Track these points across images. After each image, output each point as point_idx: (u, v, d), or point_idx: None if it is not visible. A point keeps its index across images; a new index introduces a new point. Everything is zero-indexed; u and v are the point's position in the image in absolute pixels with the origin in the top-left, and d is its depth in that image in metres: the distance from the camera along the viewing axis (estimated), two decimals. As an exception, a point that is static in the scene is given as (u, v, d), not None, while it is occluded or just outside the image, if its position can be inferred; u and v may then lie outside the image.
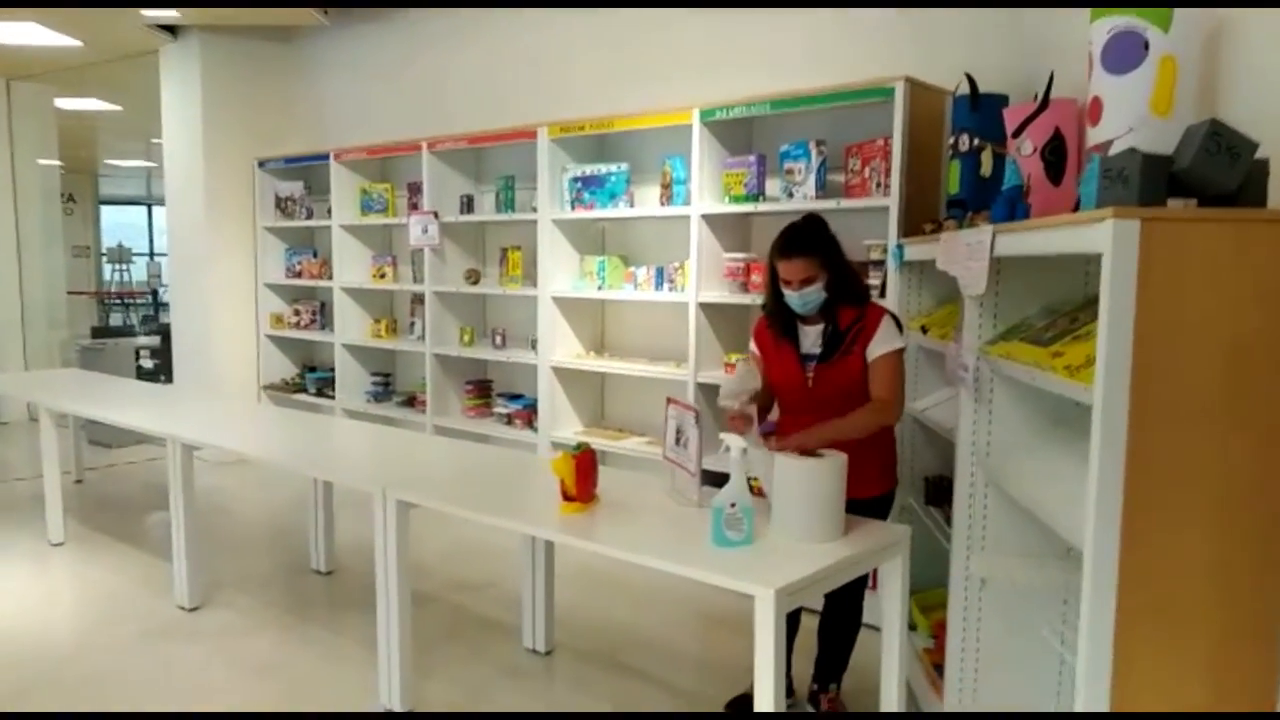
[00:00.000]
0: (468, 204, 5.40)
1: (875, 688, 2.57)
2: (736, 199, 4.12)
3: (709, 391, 4.14)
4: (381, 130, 6.04)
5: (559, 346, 4.92)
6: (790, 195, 3.93)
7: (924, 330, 3.13)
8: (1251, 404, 1.58)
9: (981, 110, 2.96)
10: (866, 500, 2.61)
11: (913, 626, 3.01)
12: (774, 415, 2.89)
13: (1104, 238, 1.56)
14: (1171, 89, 1.97)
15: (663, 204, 4.45)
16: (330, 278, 6.24)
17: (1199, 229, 1.57)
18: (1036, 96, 2.50)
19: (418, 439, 4.22)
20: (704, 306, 4.24)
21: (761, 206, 4.04)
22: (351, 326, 6.20)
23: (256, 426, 4.26)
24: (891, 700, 2.48)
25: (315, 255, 6.65)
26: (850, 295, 2.71)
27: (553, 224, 4.82)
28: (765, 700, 2.04)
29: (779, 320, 2.78)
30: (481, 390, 5.55)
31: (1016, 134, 2.53)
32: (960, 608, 2.48)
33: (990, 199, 2.62)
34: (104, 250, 16.37)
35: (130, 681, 3.23)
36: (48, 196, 8.58)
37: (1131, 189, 1.62)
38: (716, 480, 2.41)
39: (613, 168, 4.63)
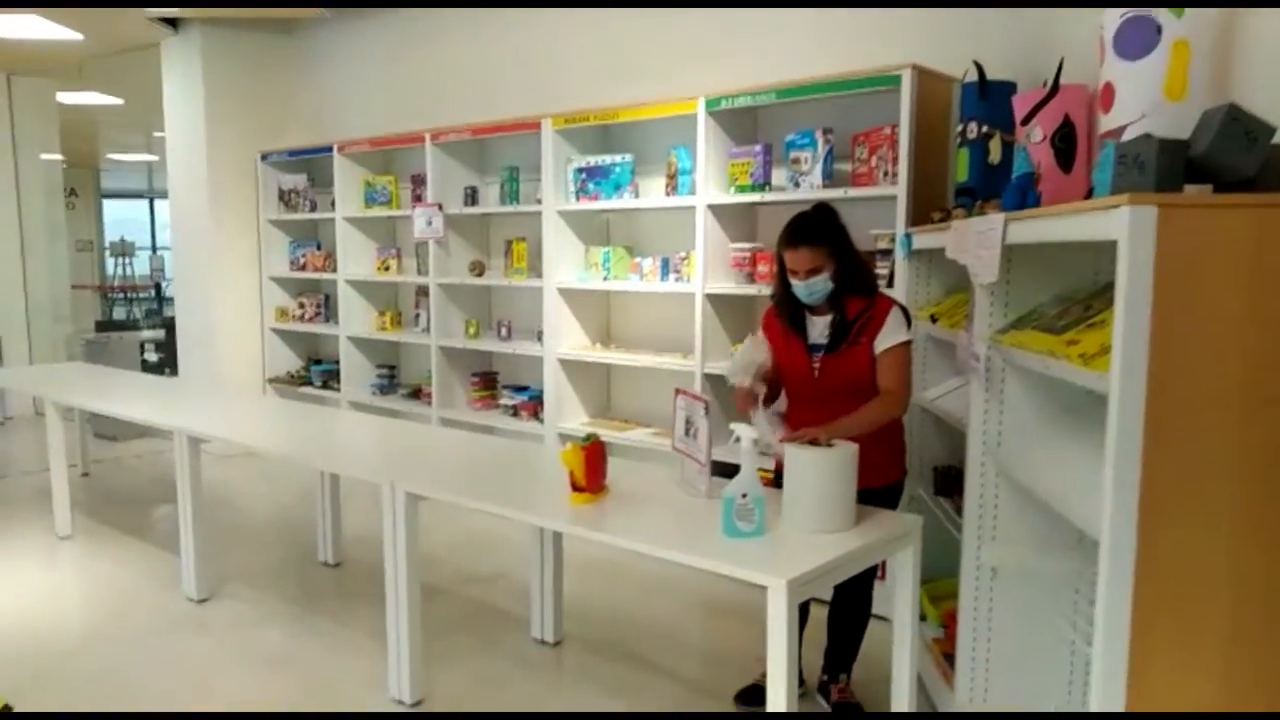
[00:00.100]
0: (472, 196, 5.38)
1: (885, 677, 2.57)
2: (742, 189, 4.11)
3: (716, 383, 4.13)
4: (384, 122, 6.02)
5: (565, 338, 4.91)
6: (797, 185, 3.91)
7: (933, 320, 3.11)
8: (1270, 392, 1.57)
9: (990, 98, 2.94)
10: (876, 490, 2.60)
11: (922, 617, 3.00)
12: (781, 407, 2.87)
13: (1120, 225, 1.55)
14: (1185, 74, 1.95)
15: (668, 194, 4.43)
16: (334, 270, 6.24)
17: (1217, 215, 1.55)
18: (1046, 83, 2.48)
19: (424, 431, 4.21)
20: (710, 297, 4.22)
21: (768, 196, 4.02)
22: (356, 319, 6.19)
23: (263, 419, 4.26)
24: (903, 692, 2.48)
25: (319, 248, 6.64)
26: (858, 286, 2.69)
27: (557, 215, 4.81)
28: (778, 691, 2.04)
29: (787, 310, 2.77)
30: (487, 382, 5.54)
31: (1026, 121, 2.51)
32: (971, 597, 2.47)
33: (999, 187, 2.61)
34: (107, 244, 16.37)
35: (141, 674, 3.24)
36: (50, 191, 8.58)
37: (1148, 175, 1.60)
38: (726, 471, 2.40)
39: (617, 158, 4.61)
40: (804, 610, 2.98)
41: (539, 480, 3.03)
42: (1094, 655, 1.66)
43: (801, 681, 3.01)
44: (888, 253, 3.63)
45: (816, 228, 2.65)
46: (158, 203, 18.55)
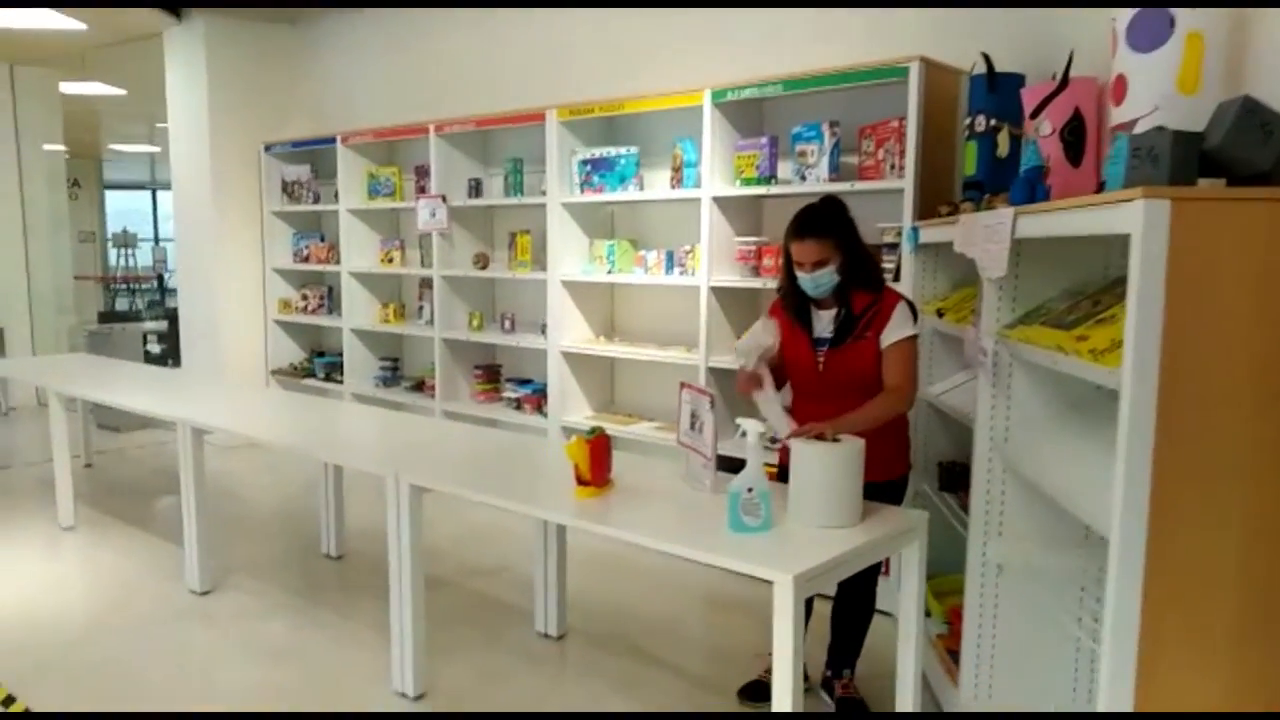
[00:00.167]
0: (476, 187, 5.36)
1: (889, 673, 2.56)
2: (748, 181, 4.08)
3: (720, 376, 4.12)
4: (388, 113, 6.00)
5: (568, 331, 4.90)
6: (803, 177, 3.89)
7: (940, 314, 3.10)
8: (1283, 388, 1.55)
9: (998, 90, 2.91)
10: (880, 484, 2.58)
11: (927, 613, 2.99)
12: (786, 400, 2.86)
13: (1134, 218, 1.53)
14: (1199, 66, 1.93)
15: (673, 187, 4.41)
16: (338, 262, 6.22)
17: (1232, 209, 1.53)
18: (1055, 76, 2.46)
19: (428, 423, 4.20)
20: (715, 290, 4.21)
21: (774, 189, 4.00)
22: (359, 311, 6.18)
23: (266, 411, 4.26)
24: (907, 689, 2.46)
25: (323, 239, 6.63)
26: (865, 280, 2.67)
27: (562, 207, 4.79)
28: (784, 686, 2.03)
29: (792, 303, 2.75)
30: (490, 375, 5.53)
31: (1035, 114, 2.49)
32: (977, 594, 2.46)
33: (1007, 180, 2.59)
34: (109, 235, 16.36)
35: (143, 665, 3.24)
36: (53, 182, 8.58)
37: (1161, 168, 1.58)
38: (731, 466, 2.39)
39: (622, 150, 4.59)
40: (808, 606, 2.97)
41: (543, 473, 3.02)
42: (1102, 654, 1.64)
43: (805, 677, 2.99)
44: (894, 246, 3.61)
45: (824, 220, 2.63)
46: (160, 194, 18.53)
